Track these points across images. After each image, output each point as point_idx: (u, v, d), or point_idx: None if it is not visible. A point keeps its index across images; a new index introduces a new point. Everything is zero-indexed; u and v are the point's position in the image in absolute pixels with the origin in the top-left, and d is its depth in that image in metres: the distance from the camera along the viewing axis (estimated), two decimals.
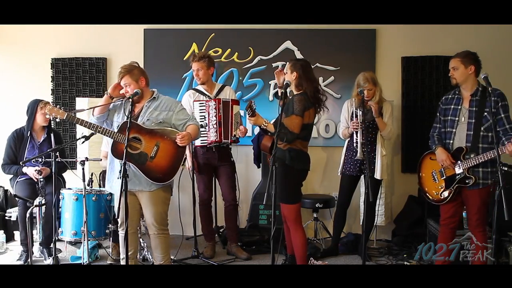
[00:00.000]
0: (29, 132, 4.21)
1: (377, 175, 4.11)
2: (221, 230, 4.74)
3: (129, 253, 3.34)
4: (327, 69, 5.02)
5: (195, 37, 5.10)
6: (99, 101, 4.84)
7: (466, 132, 3.34)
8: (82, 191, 3.77)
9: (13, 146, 4.23)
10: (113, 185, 3.37)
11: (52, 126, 4.45)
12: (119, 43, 5.20)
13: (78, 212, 3.88)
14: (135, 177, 3.26)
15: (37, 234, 4.29)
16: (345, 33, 4.97)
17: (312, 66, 4.89)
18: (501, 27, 4.71)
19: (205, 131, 4.08)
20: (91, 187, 4.24)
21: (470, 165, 3.29)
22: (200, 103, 4.16)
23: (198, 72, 4.21)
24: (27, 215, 3.84)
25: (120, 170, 3.02)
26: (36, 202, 3.95)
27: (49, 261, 4.00)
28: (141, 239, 4.05)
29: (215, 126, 4.07)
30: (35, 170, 4.05)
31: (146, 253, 4.12)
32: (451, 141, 3.41)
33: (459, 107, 3.40)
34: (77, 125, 4.99)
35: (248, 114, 3.45)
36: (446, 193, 3.43)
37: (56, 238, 3.88)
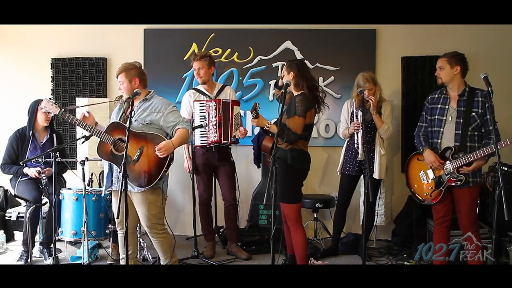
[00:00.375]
0: (30, 132, 4.21)
1: (376, 175, 4.12)
2: (221, 230, 4.74)
3: (132, 254, 3.36)
4: (327, 69, 5.01)
5: (195, 37, 5.10)
6: (99, 101, 4.91)
7: (455, 132, 3.38)
8: (82, 191, 3.77)
9: (15, 146, 4.22)
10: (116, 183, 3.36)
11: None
12: (119, 43, 5.20)
13: (78, 212, 3.88)
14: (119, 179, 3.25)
15: (37, 234, 4.30)
16: (345, 33, 4.97)
17: (312, 66, 4.98)
18: (500, 27, 4.70)
19: (205, 131, 4.08)
20: (91, 187, 4.24)
21: (460, 164, 3.32)
22: (200, 103, 4.16)
23: (199, 71, 4.21)
24: (28, 215, 3.83)
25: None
26: (44, 201, 3.98)
27: (49, 261, 4.00)
28: (141, 239, 4.05)
29: (215, 126, 4.07)
30: (37, 171, 4.06)
31: (146, 253, 4.12)
32: (439, 141, 3.45)
33: (447, 106, 3.44)
34: (77, 125, 5.02)
35: (252, 116, 3.47)
36: (436, 194, 3.46)
37: (56, 238, 3.88)
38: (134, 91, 3.24)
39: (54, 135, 4.30)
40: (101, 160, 4.17)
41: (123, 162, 3.00)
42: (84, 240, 3.69)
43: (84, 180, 3.74)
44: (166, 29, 5.08)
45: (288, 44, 5.04)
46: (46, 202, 4.10)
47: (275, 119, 3.82)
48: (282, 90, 3.22)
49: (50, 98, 3.47)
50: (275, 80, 4.86)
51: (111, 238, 4.14)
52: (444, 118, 3.43)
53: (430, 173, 3.51)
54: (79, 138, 3.67)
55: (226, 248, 4.45)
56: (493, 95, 3.02)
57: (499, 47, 4.86)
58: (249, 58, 5.08)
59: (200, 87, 4.33)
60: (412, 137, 4.19)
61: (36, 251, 4.23)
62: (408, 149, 4.89)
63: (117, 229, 3.45)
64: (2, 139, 4.52)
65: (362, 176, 4.24)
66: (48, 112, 3.45)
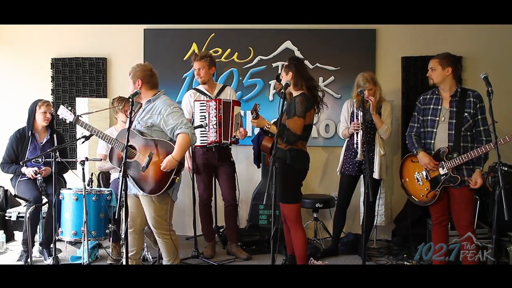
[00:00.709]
0: (30, 132, 4.21)
1: (376, 175, 4.12)
2: (221, 230, 4.74)
3: (132, 253, 3.37)
4: (327, 69, 5.01)
5: (195, 37, 5.10)
6: (99, 101, 4.94)
7: (448, 132, 3.40)
8: (82, 191, 3.76)
9: (15, 146, 4.21)
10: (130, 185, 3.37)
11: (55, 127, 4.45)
12: (119, 43, 5.20)
13: (78, 212, 3.87)
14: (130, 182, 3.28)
15: (37, 234, 4.30)
16: (345, 33, 4.97)
17: (312, 66, 4.98)
18: (500, 27, 4.71)
19: (205, 131, 4.08)
20: (91, 187, 4.24)
21: (454, 165, 3.34)
22: (200, 103, 4.16)
23: (199, 71, 4.21)
24: (28, 215, 3.84)
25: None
26: (44, 201, 3.98)
27: (49, 261, 4.00)
28: None
29: (215, 126, 4.07)
30: (33, 171, 4.05)
31: (146, 253, 4.11)
32: (432, 141, 3.46)
33: (439, 107, 3.46)
34: (77, 125, 5.01)
35: (252, 117, 3.48)
36: (432, 195, 3.48)
37: (56, 238, 3.88)
38: (134, 91, 3.26)
39: (55, 135, 4.29)
40: (100, 160, 4.20)
41: (123, 163, 3.02)
42: (84, 240, 3.69)
43: (84, 180, 3.74)
44: (166, 29, 5.08)
45: (288, 44, 5.04)
46: (46, 202, 4.10)
47: (275, 119, 3.82)
48: (282, 90, 3.23)
49: (66, 105, 3.53)
50: (275, 80, 4.86)
51: (111, 238, 4.14)
52: (437, 118, 3.44)
53: (425, 175, 3.51)
54: (79, 138, 3.68)
55: (226, 248, 4.45)
56: (493, 95, 3.02)
57: (499, 47, 4.86)
58: (249, 58, 5.08)
59: (201, 87, 4.33)
60: None
61: (35, 251, 4.23)
62: (408, 149, 4.90)
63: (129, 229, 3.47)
64: (2, 139, 4.52)
65: (362, 176, 4.24)
66: (64, 119, 3.49)
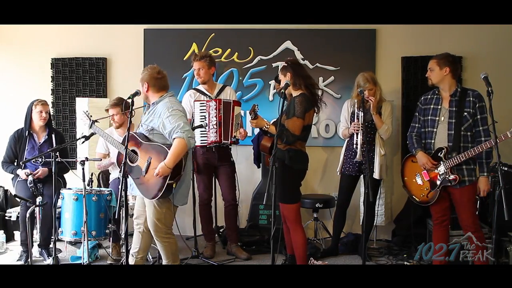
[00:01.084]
0: (27, 132, 4.21)
1: (376, 175, 4.12)
2: (221, 230, 4.74)
3: (134, 250, 3.39)
4: (327, 69, 5.01)
5: (195, 37, 5.10)
6: (99, 101, 4.93)
7: (447, 132, 3.40)
8: (82, 191, 3.77)
9: (13, 146, 4.23)
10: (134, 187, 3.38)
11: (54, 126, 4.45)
12: (119, 43, 5.20)
13: (78, 212, 3.88)
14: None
15: (37, 234, 4.29)
16: (345, 33, 4.97)
17: (312, 66, 4.99)
18: (500, 27, 4.70)
19: (205, 131, 4.08)
20: (91, 187, 4.23)
21: (453, 164, 3.34)
22: (200, 103, 4.16)
23: (199, 72, 4.21)
24: (27, 215, 3.83)
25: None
26: (37, 202, 3.95)
27: (49, 261, 4.00)
28: None
29: (215, 126, 4.06)
30: (25, 173, 4.05)
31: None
32: (432, 141, 3.47)
33: (439, 107, 3.47)
34: (77, 125, 5.02)
35: (251, 117, 3.48)
36: (432, 194, 3.48)
37: (56, 238, 3.88)
38: (134, 91, 3.27)
39: (53, 135, 4.28)
40: (100, 159, 4.20)
41: (123, 163, 3.05)
42: (84, 240, 3.69)
43: (84, 180, 3.74)
44: (166, 29, 5.08)
45: (288, 44, 5.04)
46: (46, 203, 4.09)
47: (274, 119, 3.82)
48: (282, 90, 3.23)
49: (86, 111, 3.62)
50: (274, 81, 4.86)
51: (111, 238, 4.14)
52: (437, 118, 3.45)
53: (425, 174, 3.51)
54: (79, 138, 3.68)
55: (226, 248, 4.45)
56: (493, 95, 3.02)
57: (499, 47, 4.86)
58: (249, 58, 5.08)
59: (201, 87, 4.33)
60: None
61: (35, 251, 4.23)
62: (408, 149, 4.90)
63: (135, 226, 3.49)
64: (2, 139, 4.51)
65: (362, 176, 4.24)
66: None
